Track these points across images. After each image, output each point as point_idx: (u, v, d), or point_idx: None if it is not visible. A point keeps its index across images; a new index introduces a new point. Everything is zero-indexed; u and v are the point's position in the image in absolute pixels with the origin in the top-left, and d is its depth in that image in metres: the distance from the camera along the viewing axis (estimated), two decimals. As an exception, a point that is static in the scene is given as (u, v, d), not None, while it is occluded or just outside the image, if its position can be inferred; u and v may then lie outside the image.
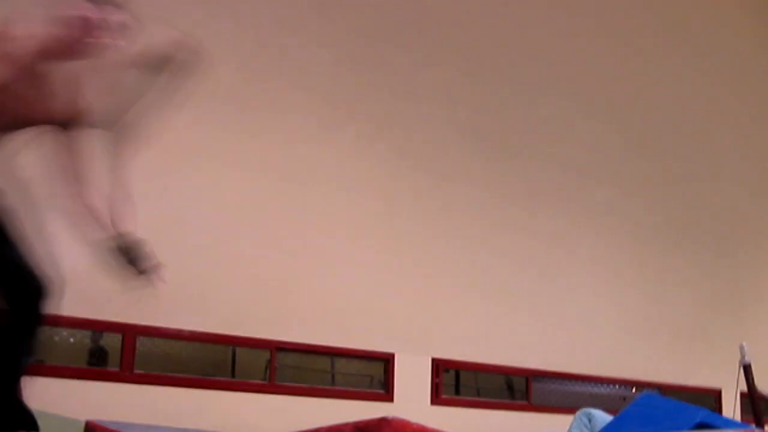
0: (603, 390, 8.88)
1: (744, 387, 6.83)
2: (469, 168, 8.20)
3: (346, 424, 2.40)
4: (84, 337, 5.97)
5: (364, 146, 7.51)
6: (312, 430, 2.52)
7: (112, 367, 6.03)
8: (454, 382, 7.99)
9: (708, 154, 10.62)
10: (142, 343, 6.19)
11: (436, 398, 7.56)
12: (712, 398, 9.62)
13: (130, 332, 6.10)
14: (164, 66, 3.50)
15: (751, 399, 6.85)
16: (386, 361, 7.35)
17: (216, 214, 6.47)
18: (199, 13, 6.62)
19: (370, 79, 7.64)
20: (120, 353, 6.05)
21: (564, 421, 6.56)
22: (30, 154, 3.43)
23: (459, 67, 8.33)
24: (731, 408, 7.22)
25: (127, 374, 6.03)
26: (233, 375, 6.74)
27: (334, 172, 7.28)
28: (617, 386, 9.00)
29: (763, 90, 11.66)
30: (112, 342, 6.07)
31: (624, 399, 8.77)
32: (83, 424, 3.79)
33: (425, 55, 8.10)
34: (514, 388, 8.38)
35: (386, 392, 7.31)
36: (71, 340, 5.93)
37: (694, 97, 10.56)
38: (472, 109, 8.33)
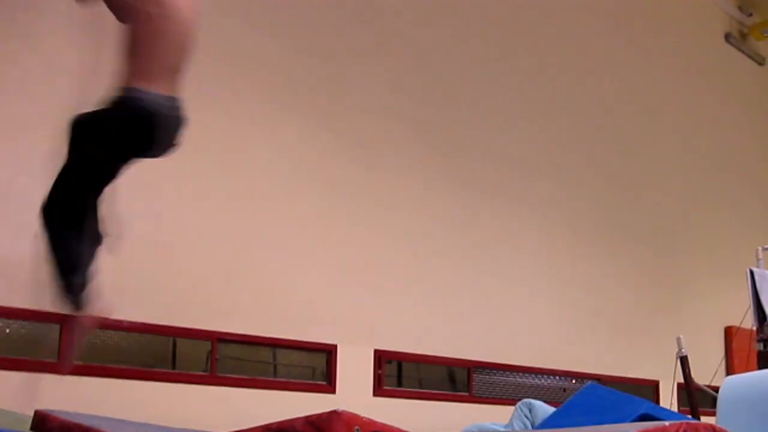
0: (544, 381, 8.98)
1: (680, 378, 6.97)
2: (413, 161, 8.21)
3: (297, 419, 2.37)
4: (20, 327, 5.84)
5: (307, 136, 7.46)
6: (263, 426, 2.48)
7: (51, 359, 5.91)
8: (396, 373, 8.00)
9: (649, 153, 10.82)
10: (80, 334, 6.07)
11: (379, 389, 7.56)
12: (650, 389, 9.79)
13: (68, 323, 5.99)
14: None
15: (687, 390, 7.00)
16: (328, 352, 7.33)
17: (155, 202, 6.35)
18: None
19: (314, 69, 7.60)
20: (58, 344, 5.93)
21: (505, 411, 6.63)
22: None
23: (404, 59, 8.34)
24: (668, 399, 7.37)
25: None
26: (174, 366, 6.64)
27: (277, 162, 7.22)
28: (558, 378, 9.11)
29: (704, 89, 11.89)
30: (50, 333, 5.95)
31: (564, 390, 8.89)
32: (21, 416, 3.69)
33: (371, 45, 8.09)
34: (456, 379, 8.42)
35: (329, 384, 7.29)
36: (7, 330, 5.80)
37: (636, 95, 10.74)
38: (417, 103, 8.35)
